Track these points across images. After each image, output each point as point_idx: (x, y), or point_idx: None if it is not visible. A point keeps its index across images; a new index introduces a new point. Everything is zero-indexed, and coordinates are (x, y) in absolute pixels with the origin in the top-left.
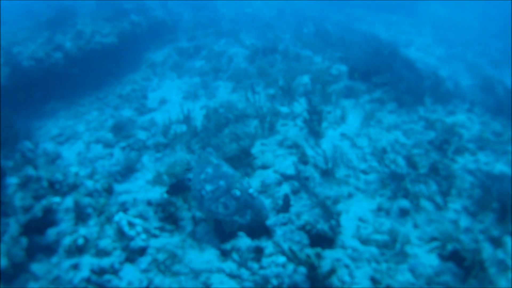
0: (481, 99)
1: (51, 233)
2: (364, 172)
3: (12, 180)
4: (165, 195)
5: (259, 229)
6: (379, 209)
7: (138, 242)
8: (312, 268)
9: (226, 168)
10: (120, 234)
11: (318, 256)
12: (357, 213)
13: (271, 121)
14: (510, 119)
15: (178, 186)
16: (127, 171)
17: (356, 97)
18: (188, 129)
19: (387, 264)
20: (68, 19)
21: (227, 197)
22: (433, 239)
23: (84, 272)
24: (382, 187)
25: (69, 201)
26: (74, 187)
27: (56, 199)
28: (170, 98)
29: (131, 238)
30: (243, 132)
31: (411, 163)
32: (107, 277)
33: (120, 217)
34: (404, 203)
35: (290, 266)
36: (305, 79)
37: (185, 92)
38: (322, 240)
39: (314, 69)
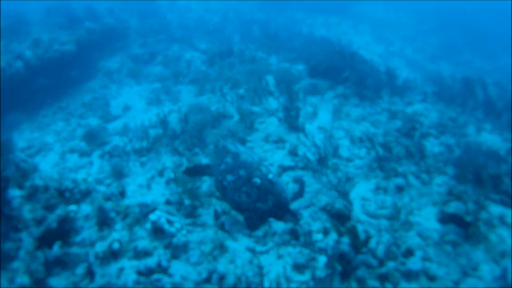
0: (431, 90)
1: (73, 242)
2: (349, 159)
3: (15, 193)
4: (180, 189)
5: (281, 212)
6: (377, 188)
7: (181, 238)
8: (354, 237)
9: (244, 156)
10: (157, 232)
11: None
12: (359, 193)
13: (251, 120)
14: (460, 106)
15: (195, 169)
16: (117, 177)
17: (321, 94)
18: (165, 133)
19: (398, 232)
20: (20, 26)
21: (249, 186)
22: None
23: (131, 276)
24: (371, 170)
25: (86, 208)
26: (87, 194)
27: (73, 207)
28: (133, 104)
29: (173, 235)
30: (228, 130)
31: (388, 148)
32: (156, 276)
33: (158, 216)
34: (399, 180)
35: (331, 239)
36: (270, 79)
37: (147, 98)
38: (341, 217)
39: (275, 69)
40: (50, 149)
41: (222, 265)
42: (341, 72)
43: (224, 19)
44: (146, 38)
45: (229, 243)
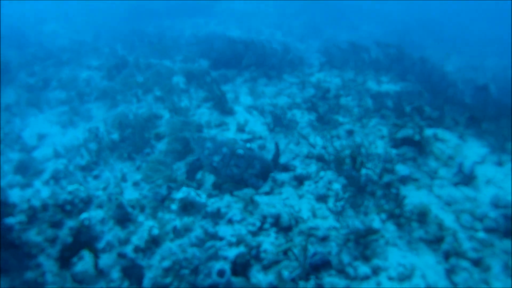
0: (322, 61)
1: (97, 249)
2: (295, 121)
3: (12, 220)
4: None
5: (269, 171)
6: (332, 136)
7: (213, 206)
8: (354, 163)
9: (219, 137)
10: (187, 208)
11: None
12: (318, 143)
13: (185, 114)
14: (352, 68)
15: (194, 167)
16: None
17: (231, 81)
18: (103, 145)
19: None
20: None
21: (234, 159)
22: (383, 137)
23: (183, 254)
24: (317, 127)
25: (98, 213)
26: (89, 201)
27: (85, 215)
28: (47, 131)
29: (205, 205)
30: (174, 126)
31: (315, 108)
32: (208, 244)
33: (187, 191)
34: (347, 126)
35: (330, 173)
36: (179, 78)
37: (58, 122)
38: (323, 160)
39: (178, 69)
40: None
41: (267, 211)
42: (242, 60)
43: (96, 38)
44: (32, 66)
45: (256, 197)
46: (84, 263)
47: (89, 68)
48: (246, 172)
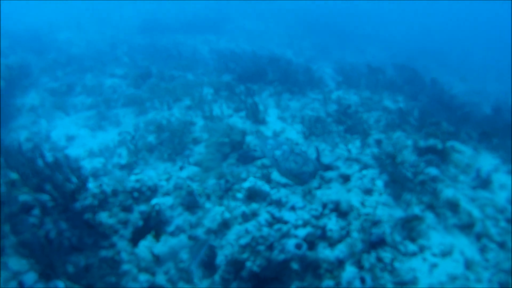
0: (339, 80)
1: (165, 232)
2: (328, 132)
3: (85, 203)
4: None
5: (318, 170)
6: (363, 144)
7: (276, 194)
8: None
9: (279, 138)
10: (252, 197)
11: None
12: (354, 150)
13: (220, 122)
14: (365, 88)
15: (245, 155)
16: None
17: (258, 94)
18: (138, 147)
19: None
20: None
21: (293, 155)
22: (407, 147)
23: (258, 232)
24: (344, 136)
25: (167, 200)
26: (155, 190)
27: (156, 200)
28: (75, 133)
29: (269, 194)
30: (214, 129)
31: (342, 121)
32: (276, 226)
33: (253, 181)
34: (376, 136)
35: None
36: (208, 89)
37: (85, 126)
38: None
39: (207, 82)
40: None
41: (327, 199)
42: (265, 75)
43: (113, 48)
44: (54, 71)
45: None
46: (150, 245)
47: (113, 76)
48: (301, 169)
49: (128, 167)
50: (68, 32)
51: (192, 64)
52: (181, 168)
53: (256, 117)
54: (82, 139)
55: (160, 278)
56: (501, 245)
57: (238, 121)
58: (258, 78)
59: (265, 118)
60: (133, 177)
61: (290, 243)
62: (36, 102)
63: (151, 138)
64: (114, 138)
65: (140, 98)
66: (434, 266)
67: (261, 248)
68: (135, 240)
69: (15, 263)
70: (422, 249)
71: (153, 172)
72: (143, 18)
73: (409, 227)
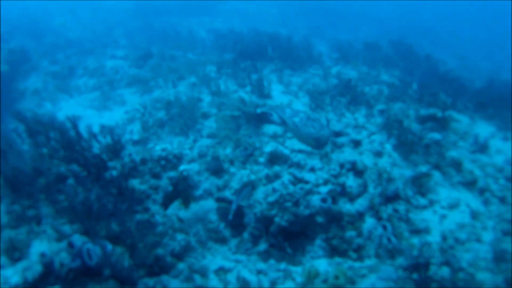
0: (336, 56)
1: (194, 195)
2: (331, 104)
3: (116, 170)
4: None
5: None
6: (369, 114)
7: (296, 157)
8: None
9: (294, 107)
10: (273, 161)
11: None
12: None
13: (228, 97)
14: (362, 64)
15: (262, 116)
16: None
17: (260, 71)
18: (148, 124)
19: None
20: None
21: (310, 121)
22: (408, 116)
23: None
24: (349, 106)
25: (193, 166)
26: (180, 158)
27: (183, 166)
28: (81, 114)
29: (289, 157)
30: (222, 103)
31: (344, 94)
32: (299, 185)
33: (275, 146)
34: (380, 106)
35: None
36: (211, 67)
37: (90, 106)
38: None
39: (208, 60)
40: None
41: (344, 159)
42: (266, 52)
43: (110, 30)
44: (53, 55)
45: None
46: (180, 209)
47: (114, 58)
48: (319, 133)
49: (142, 142)
50: (61, 17)
51: (190, 44)
52: (195, 141)
53: (262, 92)
54: (89, 119)
55: (191, 239)
56: (502, 200)
57: (244, 96)
58: (259, 55)
59: (270, 93)
60: (158, 147)
61: (315, 199)
62: (39, 86)
63: (161, 115)
64: (122, 117)
65: (143, 78)
66: (443, 217)
67: (288, 204)
68: (166, 204)
69: (58, 229)
70: (432, 202)
71: (168, 146)
72: (135, 3)
73: (419, 184)
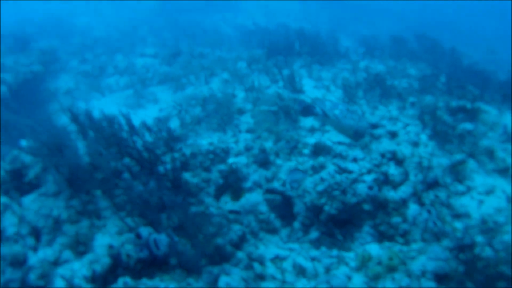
0: (362, 51)
1: (244, 188)
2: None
3: (168, 166)
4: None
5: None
6: (402, 107)
7: (338, 148)
8: None
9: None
10: (318, 152)
11: None
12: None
13: (262, 92)
14: (389, 58)
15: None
16: None
17: (290, 66)
18: (184, 121)
19: None
20: None
21: (349, 113)
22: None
23: (329, 181)
24: (381, 100)
25: (241, 159)
26: (228, 151)
27: (232, 159)
28: (116, 113)
29: (331, 148)
30: (257, 98)
31: (373, 87)
32: (345, 175)
33: (320, 136)
34: (411, 99)
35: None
36: (242, 63)
37: (123, 104)
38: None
39: (239, 56)
40: None
41: (384, 149)
42: (294, 48)
43: (135, 29)
44: (82, 54)
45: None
46: (231, 200)
47: (144, 56)
48: (359, 124)
49: (179, 139)
50: (85, 17)
51: (217, 41)
52: (236, 136)
53: (294, 86)
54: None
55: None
56: None
57: (280, 91)
58: (288, 51)
59: (302, 87)
60: (205, 141)
61: (361, 187)
62: (71, 85)
63: (197, 111)
64: (158, 114)
65: (174, 75)
66: (481, 202)
67: (336, 193)
68: (217, 196)
69: (117, 223)
70: (469, 189)
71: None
72: (157, 3)
73: (456, 171)
